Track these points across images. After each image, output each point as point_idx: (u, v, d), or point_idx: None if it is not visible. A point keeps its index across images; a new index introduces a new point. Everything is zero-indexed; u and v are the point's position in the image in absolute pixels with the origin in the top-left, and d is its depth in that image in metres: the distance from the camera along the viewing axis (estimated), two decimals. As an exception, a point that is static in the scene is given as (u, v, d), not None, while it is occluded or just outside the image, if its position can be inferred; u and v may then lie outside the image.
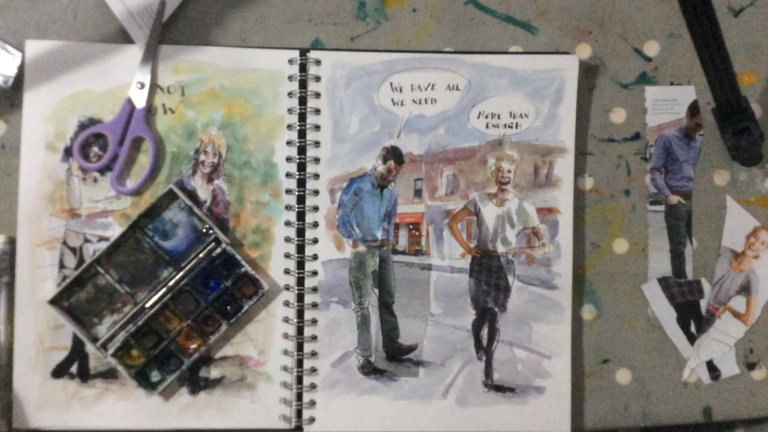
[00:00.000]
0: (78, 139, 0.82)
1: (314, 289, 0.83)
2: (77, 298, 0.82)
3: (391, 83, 0.84)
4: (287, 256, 0.83)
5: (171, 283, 0.82)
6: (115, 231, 0.82)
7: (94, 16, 0.84)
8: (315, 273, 0.83)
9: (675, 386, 0.85)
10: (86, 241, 0.82)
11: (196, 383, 0.83)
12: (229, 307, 0.83)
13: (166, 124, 0.83)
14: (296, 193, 0.83)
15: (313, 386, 0.83)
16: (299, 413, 0.82)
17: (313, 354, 0.83)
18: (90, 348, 0.82)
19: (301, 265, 0.83)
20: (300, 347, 0.83)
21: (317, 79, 0.84)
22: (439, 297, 0.84)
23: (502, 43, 0.86)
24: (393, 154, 0.84)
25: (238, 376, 0.83)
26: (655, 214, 0.86)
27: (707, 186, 0.86)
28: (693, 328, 0.86)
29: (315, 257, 0.83)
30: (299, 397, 0.83)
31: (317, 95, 0.84)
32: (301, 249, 0.83)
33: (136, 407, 0.82)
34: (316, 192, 0.84)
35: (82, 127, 0.83)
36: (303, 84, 0.84)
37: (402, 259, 0.84)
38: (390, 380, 0.83)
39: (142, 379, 0.82)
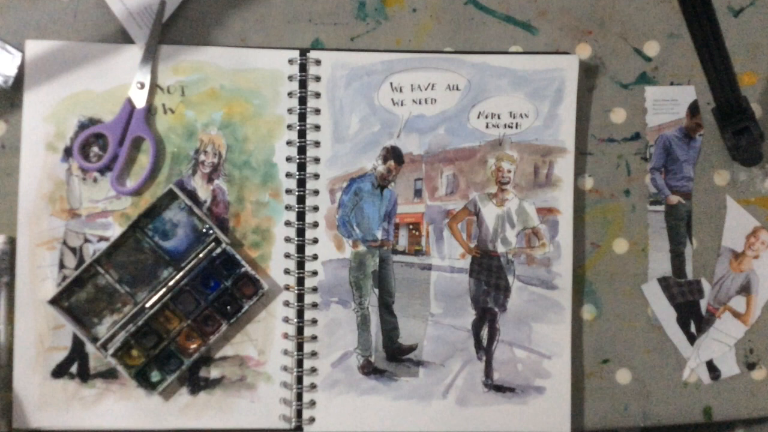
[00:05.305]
0: (78, 139, 0.82)
1: (314, 289, 0.83)
2: (77, 298, 0.82)
3: (391, 83, 0.84)
4: (287, 256, 0.83)
5: (171, 283, 0.82)
6: (115, 231, 0.82)
7: (94, 16, 0.84)
8: (315, 273, 0.83)
9: (675, 386, 0.85)
10: (86, 241, 0.82)
11: (196, 383, 0.83)
12: (229, 307, 0.83)
13: (166, 124, 0.83)
14: (296, 193, 0.83)
15: (313, 386, 0.83)
16: (299, 413, 0.82)
17: (313, 354, 0.83)
18: (90, 348, 0.82)
19: (301, 265, 0.83)
20: (300, 347, 0.83)
21: (317, 79, 0.84)
22: (439, 297, 0.84)
23: (502, 43, 0.86)
24: (393, 154, 0.84)
25: (238, 376, 0.83)
26: (655, 214, 0.86)
27: (707, 186, 0.86)
28: (693, 328, 0.86)
29: (315, 257, 0.83)
30: (299, 397, 0.83)
31: (317, 95, 0.84)
32: (301, 249, 0.83)
33: (136, 407, 0.82)
34: (316, 192, 0.84)
35: (82, 127, 0.83)
36: (303, 84, 0.84)
37: (402, 259, 0.84)
38: (390, 380, 0.83)
39: (142, 379, 0.82)
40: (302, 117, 0.84)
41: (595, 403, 0.85)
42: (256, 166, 0.84)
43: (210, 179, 0.83)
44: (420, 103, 0.84)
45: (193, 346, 0.82)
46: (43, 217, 0.82)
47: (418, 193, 0.84)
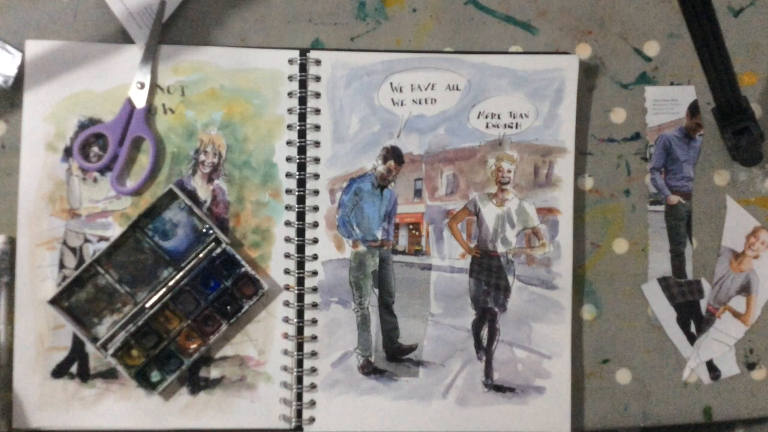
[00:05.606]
0: (78, 139, 0.82)
1: (314, 289, 0.83)
2: (77, 298, 0.82)
3: (391, 83, 0.84)
4: (287, 256, 0.83)
5: (171, 283, 0.82)
6: (115, 231, 0.82)
7: (94, 16, 0.84)
8: (315, 273, 0.83)
9: (675, 386, 0.85)
10: (86, 241, 0.82)
11: (196, 383, 0.83)
12: (229, 307, 0.83)
13: (166, 124, 0.83)
14: (296, 193, 0.83)
15: (313, 386, 0.83)
16: (299, 413, 0.82)
17: (313, 354, 0.83)
18: (90, 348, 0.82)
19: (301, 265, 0.83)
20: (300, 347, 0.83)
21: (317, 79, 0.84)
22: (439, 297, 0.84)
23: (502, 43, 0.86)
24: (393, 154, 0.84)
25: (238, 376, 0.83)
26: (655, 214, 0.86)
27: (707, 186, 0.86)
28: (693, 328, 0.86)
29: (315, 257, 0.83)
30: (299, 397, 0.83)
31: (317, 95, 0.84)
32: (301, 249, 0.83)
33: (136, 407, 0.82)
34: (316, 192, 0.84)
35: (82, 127, 0.83)
36: (303, 84, 0.84)
37: (402, 259, 0.84)
38: (390, 380, 0.83)
39: (142, 379, 0.82)
40: (302, 117, 0.84)
41: (595, 403, 0.85)
42: (256, 166, 0.84)
43: (210, 179, 0.83)
44: (420, 103, 0.84)
45: (193, 346, 0.82)
46: (43, 217, 0.82)
47: (418, 193, 0.84)
